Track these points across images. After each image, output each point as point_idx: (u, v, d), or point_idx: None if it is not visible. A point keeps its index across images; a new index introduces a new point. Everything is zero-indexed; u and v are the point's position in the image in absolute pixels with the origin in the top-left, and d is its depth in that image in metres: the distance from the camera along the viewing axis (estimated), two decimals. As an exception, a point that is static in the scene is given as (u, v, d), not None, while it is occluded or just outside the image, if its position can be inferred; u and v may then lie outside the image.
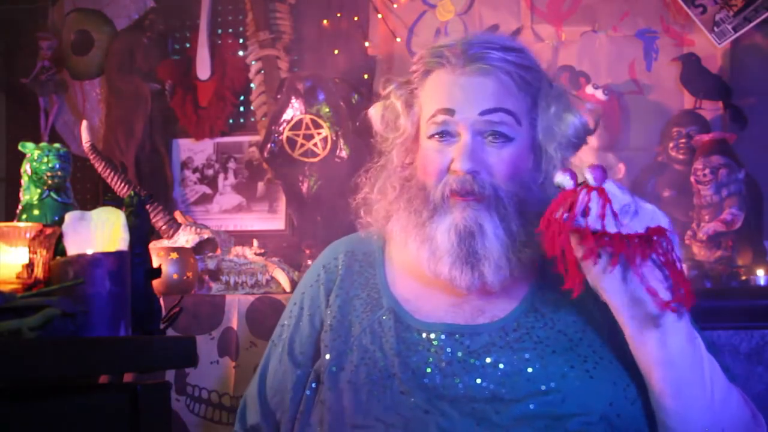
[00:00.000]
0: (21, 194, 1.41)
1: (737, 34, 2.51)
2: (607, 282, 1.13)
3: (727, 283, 2.21)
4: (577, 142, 1.33)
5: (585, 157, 1.38)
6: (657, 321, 1.14)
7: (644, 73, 2.66)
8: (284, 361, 1.39)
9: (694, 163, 2.29)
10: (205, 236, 2.32)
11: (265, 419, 1.40)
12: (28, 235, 1.23)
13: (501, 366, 1.22)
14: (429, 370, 1.23)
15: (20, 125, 3.16)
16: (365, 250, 1.42)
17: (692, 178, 2.29)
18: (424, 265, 1.28)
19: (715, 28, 2.52)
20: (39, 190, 1.39)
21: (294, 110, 2.57)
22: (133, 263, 1.25)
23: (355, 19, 2.85)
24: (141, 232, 1.32)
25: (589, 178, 1.11)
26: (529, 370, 1.21)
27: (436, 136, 1.29)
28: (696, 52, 2.55)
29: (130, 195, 1.35)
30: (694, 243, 2.26)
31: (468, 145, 1.25)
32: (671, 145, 2.48)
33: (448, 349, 1.25)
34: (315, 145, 2.56)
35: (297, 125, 2.57)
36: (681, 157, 2.46)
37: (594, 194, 1.10)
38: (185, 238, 2.29)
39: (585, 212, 1.10)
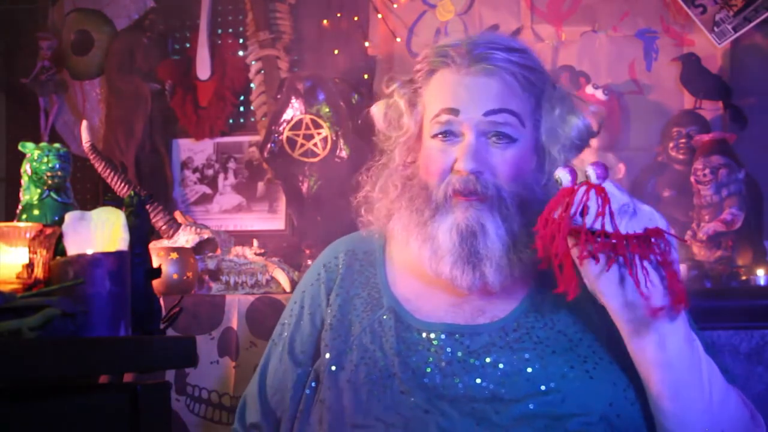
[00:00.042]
0: (21, 194, 1.41)
1: (737, 34, 2.51)
2: (603, 285, 1.13)
3: (727, 283, 2.21)
4: (581, 144, 1.33)
5: (585, 157, 1.38)
6: (654, 324, 1.14)
7: (644, 73, 2.66)
8: (285, 359, 1.39)
9: (694, 163, 2.29)
10: (205, 236, 2.32)
11: (266, 418, 1.40)
12: (28, 235, 1.23)
13: (501, 366, 1.22)
14: (429, 369, 1.23)
15: (20, 125, 3.16)
16: (366, 249, 1.42)
17: (692, 178, 2.29)
18: (426, 264, 1.28)
19: (715, 28, 2.52)
20: (39, 190, 1.39)
21: (294, 110, 2.57)
22: (133, 263, 1.25)
23: (355, 19, 2.85)
24: (141, 232, 1.32)
25: (592, 174, 1.10)
26: (529, 370, 1.21)
27: (440, 135, 1.29)
28: (696, 52, 2.55)
29: (130, 195, 1.35)
30: (694, 243, 2.26)
31: (472, 146, 1.25)
32: (671, 145, 2.48)
33: (448, 349, 1.25)
34: (315, 145, 2.56)
35: (297, 125, 2.57)
36: (681, 157, 2.46)
37: (593, 193, 1.10)
38: (185, 238, 2.29)
39: (583, 211, 1.09)
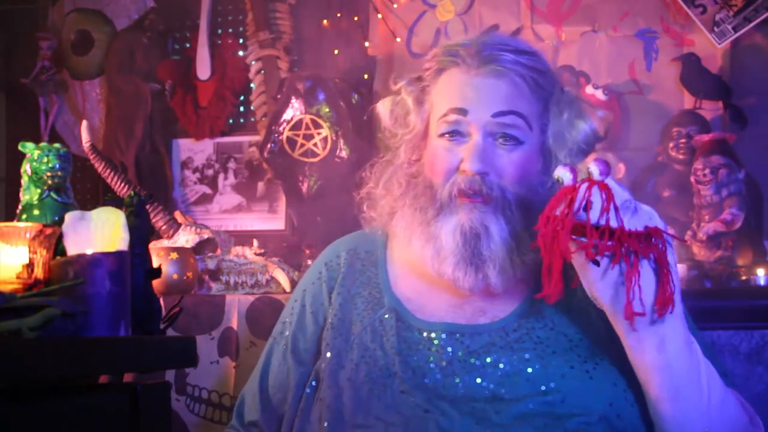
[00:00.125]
0: (21, 194, 1.41)
1: (737, 34, 2.51)
2: (600, 291, 1.13)
3: (727, 283, 2.21)
4: (587, 148, 1.33)
5: (586, 158, 1.38)
6: (653, 327, 1.13)
7: (644, 73, 2.66)
8: (287, 358, 1.39)
9: (694, 163, 2.29)
10: (205, 236, 2.32)
11: (266, 416, 1.39)
12: (28, 235, 1.23)
13: (501, 366, 1.22)
14: (429, 369, 1.23)
15: (20, 125, 3.17)
16: (367, 248, 1.42)
17: (692, 178, 2.29)
18: (428, 263, 1.28)
19: (715, 28, 2.52)
20: (39, 190, 1.39)
21: (294, 110, 2.57)
22: (133, 263, 1.25)
23: (355, 19, 2.85)
24: (141, 232, 1.32)
25: (594, 170, 1.09)
26: (529, 370, 1.21)
27: (447, 135, 1.28)
28: (696, 52, 2.56)
29: (130, 195, 1.35)
30: (694, 243, 2.26)
31: (479, 146, 1.25)
32: (671, 145, 2.48)
33: (449, 349, 1.25)
34: (315, 145, 2.56)
35: (297, 125, 2.57)
36: (681, 157, 2.46)
37: (596, 189, 1.09)
38: (185, 238, 2.29)
39: (587, 207, 1.09)
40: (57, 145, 1.42)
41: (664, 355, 1.15)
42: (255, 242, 2.43)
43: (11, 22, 3.16)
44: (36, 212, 1.38)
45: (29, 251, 1.23)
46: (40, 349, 0.99)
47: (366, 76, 2.83)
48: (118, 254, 1.19)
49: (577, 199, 1.08)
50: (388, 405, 1.22)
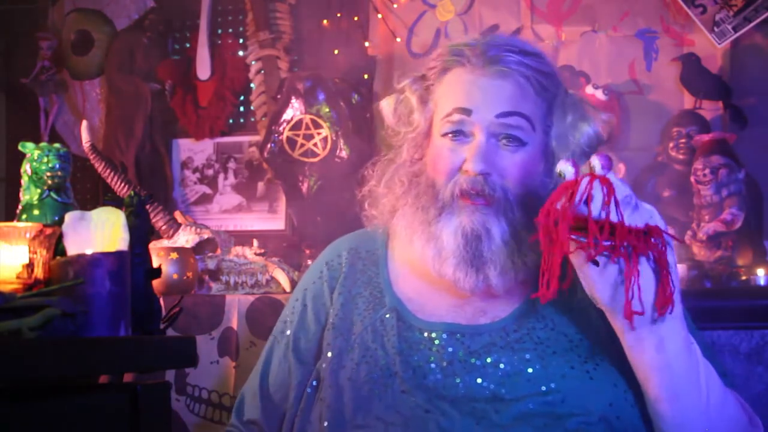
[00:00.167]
0: (21, 194, 1.41)
1: (737, 34, 2.51)
2: (600, 290, 1.13)
3: (727, 283, 2.21)
4: (590, 151, 1.33)
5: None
6: (652, 327, 1.13)
7: (644, 73, 2.66)
8: (289, 357, 1.38)
9: (694, 163, 2.29)
10: (205, 236, 2.32)
11: (266, 415, 1.39)
12: (28, 235, 1.23)
13: (501, 366, 1.22)
14: (430, 369, 1.23)
15: (20, 125, 3.17)
16: (368, 247, 1.42)
17: (692, 178, 2.29)
18: (429, 263, 1.28)
19: (715, 28, 2.52)
20: (39, 190, 1.39)
21: (294, 110, 2.57)
22: (133, 263, 1.25)
23: (355, 19, 2.85)
24: (141, 232, 1.32)
25: (596, 164, 1.09)
26: (530, 370, 1.21)
27: (450, 134, 1.28)
28: (696, 52, 2.56)
29: (130, 195, 1.35)
30: (694, 243, 2.27)
31: (482, 146, 1.25)
32: (671, 145, 2.48)
33: (450, 349, 1.25)
34: (315, 145, 2.56)
35: (297, 125, 2.57)
36: (681, 157, 2.46)
37: (597, 183, 1.09)
38: (185, 238, 2.29)
39: (588, 200, 1.08)
40: (57, 145, 1.42)
41: (663, 355, 1.15)
42: (255, 242, 2.44)
43: (11, 22, 3.16)
44: (36, 212, 1.38)
45: (29, 251, 1.23)
46: (40, 349, 0.99)
47: (366, 76, 2.83)
48: (118, 254, 1.19)
49: (578, 192, 1.08)
50: (388, 405, 1.22)
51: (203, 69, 2.96)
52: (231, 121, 3.01)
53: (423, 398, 1.21)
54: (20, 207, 1.40)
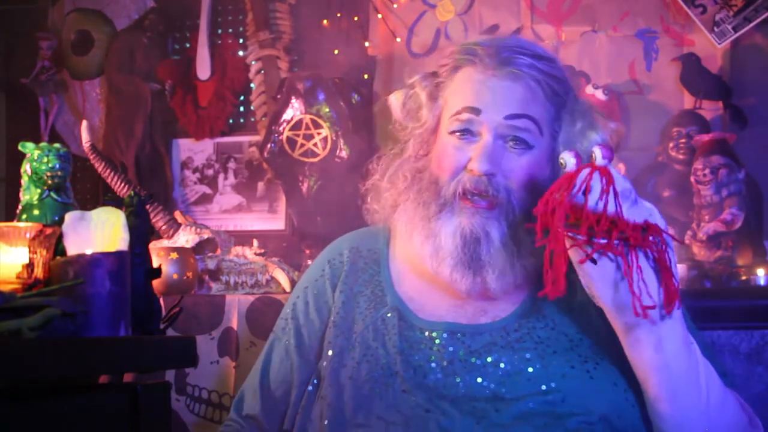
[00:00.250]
0: (21, 194, 1.41)
1: (737, 34, 2.51)
2: (600, 289, 1.13)
3: (727, 283, 2.21)
4: None
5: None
6: (652, 326, 1.13)
7: (644, 73, 2.66)
8: (291, 353, 1.38)
9: (694, 163, 2.29)
10: (205, 236, 2.32)
11: (266, 412, 1.38)
12: (28, 235, 1.23)
13: (502, 365, 1.22)
14: (431, 368, 1.23)
15: (20, 125, 3.17)
16: (370, 246, 1.42)
17: (692, 178, 2.29)
18: (427, 262, 1.28)
19: (715, 28, 2.52)
20: (39, 190, 1.39)
21: (294, 110, 2.57)
22: (133, 263, 1.25)
23: (355, 19, 2.85)
24: (141, 232, 1.32)
25: (598, 154, 1.09)
26: (530, 369, 1.21)
27: (458, 133, 1.28)
28: (696, 52, 2.56)
29: (130, 195, 1.35)
30: (694, 243, 2.27)
31: (488, 147, 1.25)
32: (671, 145, 2.48)
33: (450, 348, 1.25)
34: (315, 145, 2.56)
35: (297, 125, 2.57)
36: (681, 157, 2.46)
37: (596, 174, 1.09)
38: (185, 238, 2.29)
39: (586, 191, 1.08)
40: (57, 145, 1.42)
41: (662, 354, 1.15)
42: (255, 242, 2.44)
43: (11, 22, 3.16)
44: (36, 212, 1.38)
45: (29, 251, 1.23)
46: (40, 349, 0.99)
47: (366, 76, 2.84)
48: (118, 254, 1.19)
49: (577, 182, 1.08)
50: (389, 404, 1.22)
51: (203, 69, 2.96)
52: (231, 121, 3.01)
53: (423, 397, 1.21)
54: (20, 207, 1.40)
